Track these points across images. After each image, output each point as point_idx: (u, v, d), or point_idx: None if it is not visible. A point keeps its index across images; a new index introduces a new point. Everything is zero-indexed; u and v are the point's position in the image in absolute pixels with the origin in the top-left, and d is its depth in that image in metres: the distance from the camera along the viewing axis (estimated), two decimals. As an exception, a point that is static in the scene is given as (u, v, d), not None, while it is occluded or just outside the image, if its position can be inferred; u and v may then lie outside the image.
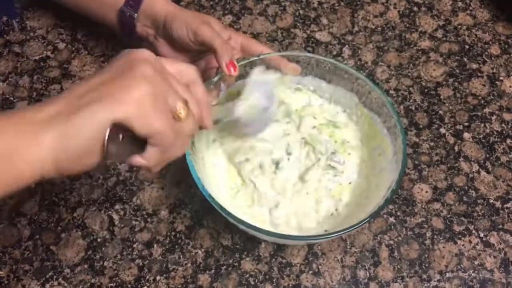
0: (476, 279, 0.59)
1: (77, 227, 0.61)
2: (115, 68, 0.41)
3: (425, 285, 0.58)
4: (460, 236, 0.62)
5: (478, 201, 0.64)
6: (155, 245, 0.60)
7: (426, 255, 0.60)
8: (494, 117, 0.71)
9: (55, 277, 0.58)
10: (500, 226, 0.62)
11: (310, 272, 0.59)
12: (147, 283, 0.58)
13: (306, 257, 0.60)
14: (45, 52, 0.74)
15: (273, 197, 0.58)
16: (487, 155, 0.67)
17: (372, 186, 0.58)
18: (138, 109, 0.38)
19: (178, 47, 0.63)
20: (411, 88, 0.73)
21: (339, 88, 0.62)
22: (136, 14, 0.63)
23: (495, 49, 0.77)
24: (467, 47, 0.77)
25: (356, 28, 0.78)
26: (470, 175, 0.66)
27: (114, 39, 0.74)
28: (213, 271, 0.59)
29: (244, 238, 0.60)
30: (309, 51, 0.76)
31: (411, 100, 0.72)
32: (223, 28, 0.63)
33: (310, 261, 0.59)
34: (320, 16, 0.79)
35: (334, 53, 0.76)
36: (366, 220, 0.51)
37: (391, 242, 0.61)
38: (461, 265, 0.60)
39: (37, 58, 0.74)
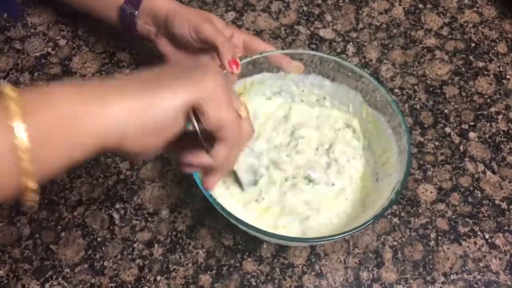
0: (481, 281, 0.58)
1: (77, 226, 0.60)
2: (182, 68, 0.41)
3: (429, 287, 0.58)
4: (465, 237, 0.61)
5: (484, 202, 0.63)
6: (155, 245, 0.59)
7: (431, 257, 0.59)
8: (500, 117, 0.70)
9: (54, 276, 0.57)
10: (506, 228, 0.61)
11: (313, 273, 0.58)
12: (147, 283, 0.57)
13: (308, 258, 0.59)
14: (46, 48, 0.74)
15: (278, 197, 0.58)
16: (493, 155, 0.66)
17: (376, 187, 0.57)
18: (214, 95, 0.39)
19: (180, 45, 0.62)
20: (416, 87, 0.72)
21: (343, 86, 0.61)
22: (136, 12, 0.62)
23: (502, 47, 0.76)
24: (473, 45, 0.76)
25: (360, 25, 0.77)
26: (476, 176, 0.65)
27: (115, 36, 0.73)
28: (214, 271, 0.58)
29: (246, 238, 0.59)
30: (312, 49, 0.75)
31: (416, 99, 0.71)
32: (225, 26, 0.62)
33: (312, 262, 0.59)
34: (324, 12, 0.78)
35: (338, 50, 0.75)
36: (370, 222, 0.50)
37: (395, 243, 0.60)
38: (466, 267, 0.59)
39: (38, 54, 0.73)
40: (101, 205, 0.61)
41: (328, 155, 0.60)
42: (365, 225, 0.50)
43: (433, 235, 0.61)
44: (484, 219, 0.62)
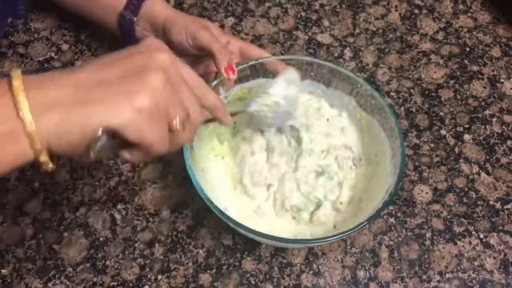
0: (476, 280, 0.59)
1: (79, 226, 0.61)
2: (130, 63, 0.40)
3: (425, 285, 0.59)
4: (460, 237, 0.62)
5: (478, 202, 0.64)
6: (156, 245, 0.60)
7: (426, 256, 0.61)
8: (494, 119, 0.71)
9: (57, 275, 0.58)
10: (500, 227, 0.63)
11: (311, 272, 0.59)
12: (148, 282, 0.58)
13: (306, 257, 0.60)
14: (49, 53, 0.75)
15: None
16: (487, 157, 0.68)
17: (371, 189, 0.58)
18: (134, 119, 0.38)
19: (177, 51, 0.63)
20: (411, 90, 0.73)
21: (338, 91, 0.62)
22: (135, 18, 0.63)
23: (495, 52, 0.77)
24: (468, 49, 0.78)
25: (357, 30, 0.79)
26: (470, 177, 0.66)
27: (117, 41, 0.74)
28: (214, 270, 0.59)
29: (245, 238, 0.61)
30: (310, 53, 0.76)
31: (411, 102, 0.72)
32: (222, 33, 0.64)
33: (310, 261, 0.60)
34: (322, 18, 0.80)
35: (336, 55, 0.76)
36: (365, 223, 0.51)
37: (391, 242, 0.61)
38: (461, 266, 0.60)
39: (41, 59, 0.75)
40: (103, 205, 0.63)
41: (324, 158, 0.61)
42: (360, 227, 0.51)
43: (428, 234, 0.62)
44: (478, 219, 0.63)
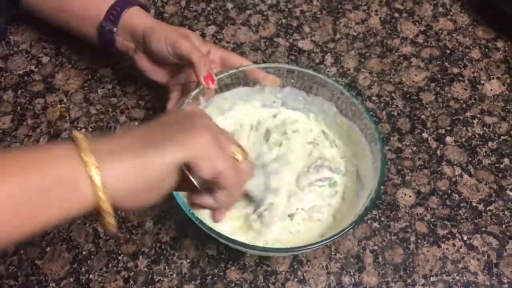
0: (460, 282, 0.59)
1: (62, 240, 0.61)
2: (173, 123, 0.44)
3: (410, 289, 0.59)
4: (443, 239, 0.62)
5: (461, 204, 0.65)
6: (140, 257, 0.60)
7: (411, 260, 0.61)
8: (475, 121, 0.71)
9: (40, 291, 0.58)
10: (483, 229, 0.63)
11: (296, 279, 0.59)
12: (132, 295, 0.58)
13: (291, 264, 0.60)
14: (29, 66, 0.75)
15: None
16: (470, 159, 0.68)
17: (353, 195, 0.58)
18: (204, 152, 0.42)
19: (157, 61, 0.63)
20: (393, 94, 0.73)
21: (318, 98, 0.62)
22: (115, 29, 0.63)
23: (475, 53, 0.78)
24: (448, 51, 0.78)
25: (338, 36, 0.79)
26: (453, 179, 0.66)
27: (97, 52, 0.74)
28: (198, 281, 0.59)
29: (229, 248, 0.60)
30: (292, 60, 0.76)
31: (393, 106, 0.72)
32: (202, 42, 0.64)
33: (295, 269, 0.60)
34: (303, 24, 0.80)
35: (317, 61, 0.76)
36: (348, 229, 0.51)
37: (376, 247, 0.61)
38: (445, 269, 0.60)
39: (21, 72, 0.74)
40: (85, 219, 0.62)
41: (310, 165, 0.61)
42: (343, 233, 0.51)
43: (412, 238, 0.62)
44: (462, 221, 0.63)
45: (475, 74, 0.76)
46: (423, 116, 0.72)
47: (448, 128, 0.71)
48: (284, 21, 0.81)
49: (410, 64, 0.76)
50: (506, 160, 0.68)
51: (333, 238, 0.51)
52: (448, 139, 0.70)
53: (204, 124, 0.45)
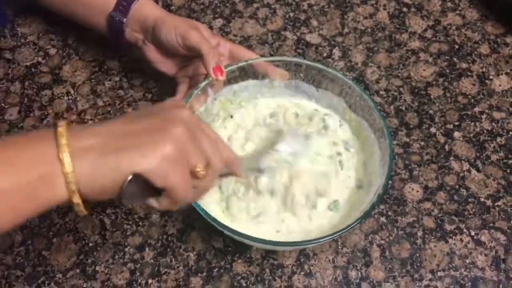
0: (467, 277, 0.59)
1: (68, 232, 0.61)
2: (155, 117, 0.44)
3: (417, 284, 0.58)
4: (451, 235, 0.62)
5: (469, 199, 0.64)
6: (146, 249, 0.60)
7: (418, 255, 0.60)
8: (484, 116, 0.71)
9: (47, 282, 0.58)
10: (491, 225, 0.63)
11: (302, 273, 0.59)
12: (139, 287, 0.58)
13: (297, 258, 0.60)
14: (36, 58, 0.75)
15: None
16: (478, 154, 0.68)
17: (361, 191, 0.58)
18: (159, 165, 0.41)
19: (166, 52, 0.63)
20: (401, 89, 0.73)
21: (328, 92, 0.62)
22: (125, 19, 0.63)
23: (484, 48, 0.77)
24: (456, 46, 0.78)
25: (346, 30, 0.79)
26: (461, 174, 0.66)
27: (105, 44, 0.74)
28: (205, 273, 0.59)
29: (236, 241, 0.60)
30: (299, 53, 0.76)
31: (401, 100, 0.72)
32: (212, 35, 0.63)
33: (301, 262, 0.60)
34: (310, 18, 0.80)
35: (324, 55, 0.76)
36: (355, 224, 0.50)
37: (383, 242, 0.61)
38: (453, 264, 0.60)
39: (28, 64, 0.74)
40: (92, 210, 0.62)
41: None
42: (350, 227, 0.50)
43: (420, 233, 0.62)
44: (469, 216, 0.63)
45: (484, 70, 0.75)
46: (431, 111, 0.71)
47: (456, 123, 0.70)
48: (291, 14, 0.80)
49: (418, 59, 0.76)
50: (514, 156, 0.68)
51: (341, 232, 0.51)
52: (456, 134, 0.69)
53: (173, 135, 0.43)
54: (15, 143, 0.40)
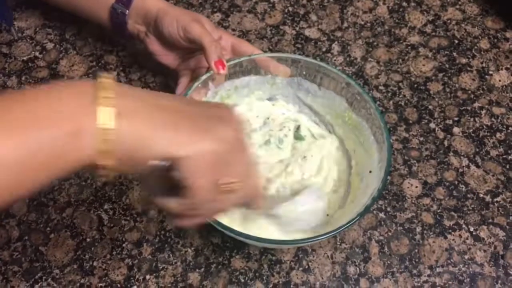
0: (466, 273, 0.59)
1: (66, 227, 0.61)
2: (213, 108, 0.42)
3: (416, 280, 0.58)
4: (450, 230, 0.62)
5: (468, 195, 0.64)
6: (144, 244, 0.60)
7: (416, 250, 0.60)
8: (483, 112, 0.71)
9: (44, 277, 0.58)
10: (490, 220, 0.62)
11: (300, 269, 0.59)
12: (136, 283, 0.57)
13: (296, 254, 0.60)
14: (33, 52, 0.74)
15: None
16: (477, 150, 0.67)
17: (358, 192, 0.57)
18: (196, 159, 0.37)
19: (168, 44, 0.63)
20: (400, 84, 0.73)
21: (329, 91, 0.61)
22: (127, 11, 0.63)
23: (484, 44, 0.77)
24: (456, 41, 0.77)
25: (345, 24, 0.78)
26: (460, 170, 0.66)
27: (102, 39, 0.74)
28: (203, 269, 0.58)
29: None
30: (298, 48, 0.75)
31: (400, 96, 0.71)
32: (214, 28, 0.63)
33: (300, 258, 0.59)
34: (309, 12, 0.79)
35: (324, 49, 0.75)
36: (354, 220, 0.50)
37: (381, 237, 0.61)
38: (451, 260, 0.60)
39: (25, 58, 0.74)
40: (90, 206, 0.62)
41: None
42: (349, 224, 0.50)
43: (418, 229, 0.62)
44: (468, 212, 0.63)
45: (484, 65, 0.75)
46: (430, 106, 0.71)
47: (456, 118, 0.70)
48: (290, 9, 0.80)
49: (418, 54, 0.76)
50: (514, 152, 0.67)
51: (339, 229, 0.50)
52: (456, 129, 0.69)
53: (222, 135, 0.39)
54: (47, 93, 0.35)
